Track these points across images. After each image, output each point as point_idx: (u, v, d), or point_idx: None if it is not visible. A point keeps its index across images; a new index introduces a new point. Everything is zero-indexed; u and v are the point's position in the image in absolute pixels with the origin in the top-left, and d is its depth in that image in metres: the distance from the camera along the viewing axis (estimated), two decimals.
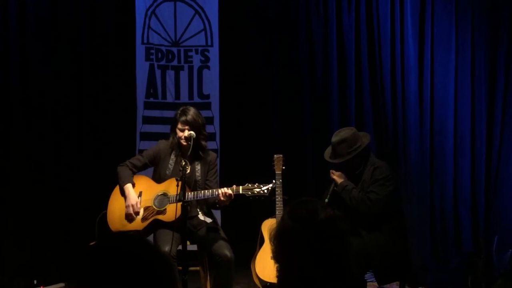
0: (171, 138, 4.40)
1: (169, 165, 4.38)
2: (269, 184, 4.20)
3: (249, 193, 4.14)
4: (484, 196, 5.88)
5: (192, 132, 4.25)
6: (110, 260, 1.50)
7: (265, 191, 4.15)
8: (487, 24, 5.90)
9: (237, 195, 4.16)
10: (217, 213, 5.52)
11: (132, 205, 4.29)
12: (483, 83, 5.92)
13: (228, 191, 4.11)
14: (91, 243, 4.12)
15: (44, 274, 5.45)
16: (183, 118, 4.31)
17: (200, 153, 4.41)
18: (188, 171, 4.28)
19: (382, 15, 5.97)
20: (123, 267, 1.48)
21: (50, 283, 5.37)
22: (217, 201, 4.21)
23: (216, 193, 4.16)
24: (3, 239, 5.51)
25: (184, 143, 4.30)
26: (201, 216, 4.39)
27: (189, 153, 4.17)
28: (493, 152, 5.89)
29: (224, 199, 4.14)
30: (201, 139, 4.36)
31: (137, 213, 4.31)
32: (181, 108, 4.41)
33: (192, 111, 4.35)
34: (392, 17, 5.97)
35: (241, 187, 4.15)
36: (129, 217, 4.32)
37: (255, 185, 4.15)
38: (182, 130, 4.31)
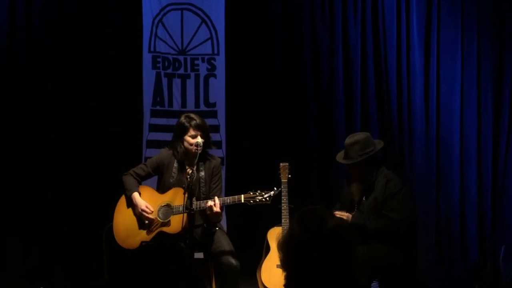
0: (177, 147, 4.34)
1: (173, 174, 4.36)
2: (271, 191, 4.17)
3: (251, 201, 4.14)
4: (491, 204, 5.87)
5: (199, 141, 4.24)
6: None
7: (267, 198, 4.14)
8: (492, 34, 5.91)
9: (239, 204, 4.17)
10: (223, 221, 5.52)
11: (144, 210, 4.25)
12: (489, 92, 5.92)
13: (217, 208, 4.10)
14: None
15: (50, 279, 5.46)
16: (194, 122, 4.27)
17: (207, 157, 4.39)
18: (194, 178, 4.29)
19: (388, 23, 5.98)
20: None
21: None
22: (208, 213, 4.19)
23: (227, 201, 4.17)
24: (9, 244, 5.53)
25: (195, 150, 4.23)
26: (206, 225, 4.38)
27: (196, 160, 4.17)
28: (499, 161, 5.88)
29: (209, 213, 4.14)
30: (211, 143, 4.37)
31: (151, 214, 4.26)
32: (184, 116, 4.37)
33: (197, 116, 4.35)
34: (398, 25, 5.98)
35: (242, 196, 4.15)
36: (148, 223, 4.28)
37: (257, 193, 4.14)
38: (195, 137, 4.26)
